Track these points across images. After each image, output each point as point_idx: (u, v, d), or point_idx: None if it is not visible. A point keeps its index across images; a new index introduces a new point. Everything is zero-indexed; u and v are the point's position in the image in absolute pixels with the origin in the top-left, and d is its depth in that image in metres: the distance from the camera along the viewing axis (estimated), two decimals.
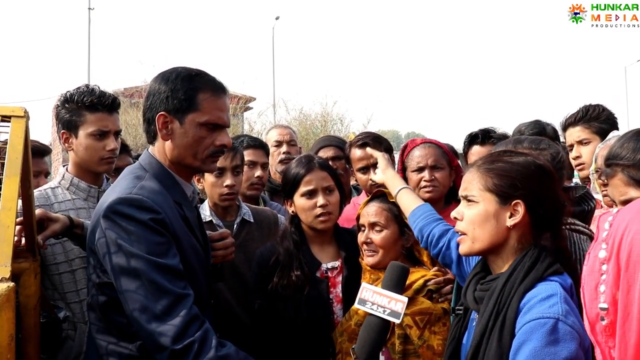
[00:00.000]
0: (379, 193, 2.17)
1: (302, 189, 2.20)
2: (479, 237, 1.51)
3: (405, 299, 1.55)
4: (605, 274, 0.75)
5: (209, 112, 1.69)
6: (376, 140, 2.84)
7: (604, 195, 2.13)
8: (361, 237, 2.07)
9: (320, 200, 2.17)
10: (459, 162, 2.65)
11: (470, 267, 1.76)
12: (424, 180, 2.42)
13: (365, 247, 2.06)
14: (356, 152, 2.79)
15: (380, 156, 2.23)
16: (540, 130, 3.10)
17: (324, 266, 2.21)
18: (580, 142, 2.73)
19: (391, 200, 2.10)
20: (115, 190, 1.64)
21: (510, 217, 1.47)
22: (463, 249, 1.57)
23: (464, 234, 1.55)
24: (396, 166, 2.57)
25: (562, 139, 3.03)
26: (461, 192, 1.58)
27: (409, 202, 2.01)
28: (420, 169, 2.44)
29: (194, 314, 1.52)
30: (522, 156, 1.54)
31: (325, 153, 3.16)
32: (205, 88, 1.70)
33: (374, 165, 2.78)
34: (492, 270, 1.55)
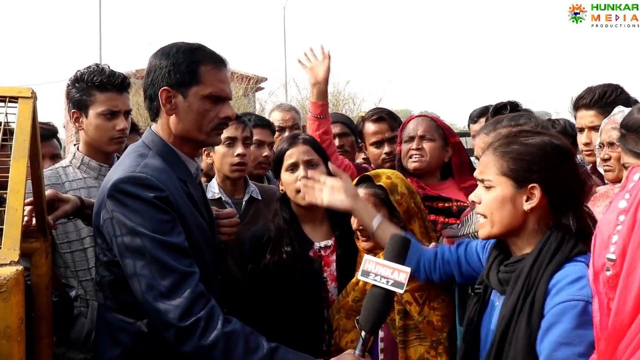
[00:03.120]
0: (364, 177, 2.09)
1: (285, 163, 2.18)
2: (497, 221, 1.49)
3: (409, 269, 1.54)
4: (621, 224, 0.74)
5: (212, 85, 1.68)
6: (391, 116, 2.85)
7: (606, 171, 2.09)
8: (354, 224, 2.03)
9: (300, 172, 2.14)
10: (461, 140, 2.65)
11: (472, 264, 1.75)
12: (411, 149, 2.43)
13: (359, 233, 2.03)
14: (370, 127, 2.82)
15: (346, 177, 1.96)
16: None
17: (316, 245, 2.19)
18: (592, 128, 2.52)
19: (378, 183, 2.00)
20: (119, 168, 1.65)
21: (527, 201, 1.45)
22: (483, 233, 1.55)
23: (484, 216, 1.53)
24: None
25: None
26: (477, 175, 1.56)
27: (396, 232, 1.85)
28: (410, 139, 2.46)
29: (200, 292, 1.54)
30: (538, 136, 1.50)
31: (332, 130, 3.15)
32: (206, 61, 1.69)
33: (388, 140, 2.78)
34: (512, 252, 1.54)
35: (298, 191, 2.12)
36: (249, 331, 1.56)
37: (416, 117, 2.58)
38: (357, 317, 1.58)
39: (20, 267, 1.21)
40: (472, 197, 1.58)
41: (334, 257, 2.18)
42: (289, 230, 2.16)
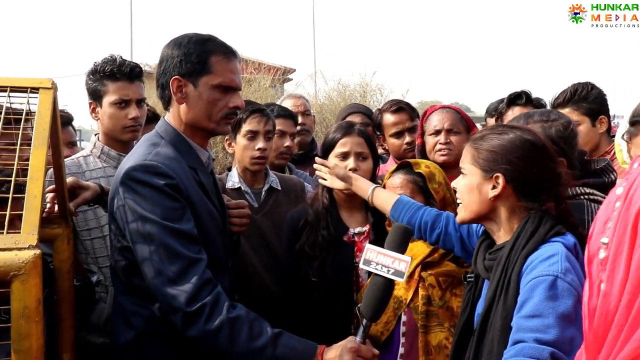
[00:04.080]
0: (404, 164, 2.16)
1: (337, 150, 2.24)
2: (467, 206, 1.60)
3: (409, 259, 1.57)
4: (616, 210, 0.76)
5: (222, 75, 1.72)
6: (409, 106, 2.85)
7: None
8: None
9: (350, 163, 2.20)
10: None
11: (473, 245, 1.78)
12: (439, 143, 2.46)
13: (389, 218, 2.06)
14: (389, 118, 2.83)
15: (333, 165, 2.16)
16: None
17: (351, 231, 2.24)
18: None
19: (417, 171, 2.09)
20: (132, 157, 1.70)
21: (492, 189, 1.54)
22: (458, 218, 1.67)
23: (461, 202, 1.64)
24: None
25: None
26: (459, 164, 1.66)
27: (386, 198, 2.01)
28: (436, 132, 2.47)
29: (207, 278, 1.57)
30: (512, 132, 1.57)
31: (353, 119, 3.15)
32: (217, 51, 1.72)
33: (409, 130, 2.78)
34: (495, 240, 1.60)
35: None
36: (253, 317, 1.60)
37: (438, 108, 2.57)
38: (358, 306, 1.61)
39: (38, 251, 1.25)
40: (453, 183, 1.69)
41: (367, 243, 2.21)
42: (326, 214, 2.22)
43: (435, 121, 2.50)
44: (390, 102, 2.97)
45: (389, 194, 2.03)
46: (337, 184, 2.14)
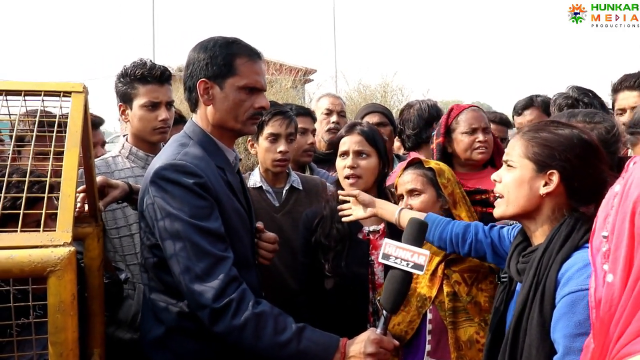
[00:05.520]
0: (415, 161, 2.19)
1: (340, 149, 2.28)
2: (512, 200, 1.53)
3: (428, 252, 1.60)
4: (614, 207, 0.80)
5: (247, 76, 1.76)
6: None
7: None
8: (401, 205, 2.11)
9: (348, 161, 2.23)
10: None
11: (506, 249, 1.76)
12: (478, 141, 2.50)
13: None
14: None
15: (358, 193, 2.15)
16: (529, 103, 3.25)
17: (365, 228, 2.27)
18: (634, 109, 2.57)
19: (427, 166, 2.12)
20: (162, 157, 1.74)
21: (544, 186, 1.48)
22: (497, 212, 1.60)
23: (501, 196, 1.58)
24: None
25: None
26: (504, 157, 1.61)
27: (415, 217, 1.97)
28: (473, 130, 2.50)
29: (233, 276, 1.61)
30: (568, 129, 1.52)
31: (371, 119, 3.20)
32: (242, 54, 1.77)
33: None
34: (531, 240, 1.56)
35: (346, 177, 2.23)
36: (277, 312, 1.63)
37: (467, 107, 2.60)
38: (378, 298, 1.64)
39: (72, 248, 1.30)
40: (494, 176, 1.62)
41: (382, 241, 2.24)
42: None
43: (471, 119, 2.52)
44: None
45: (415, 213, 1.99)
46: (360, 213, 2.13)
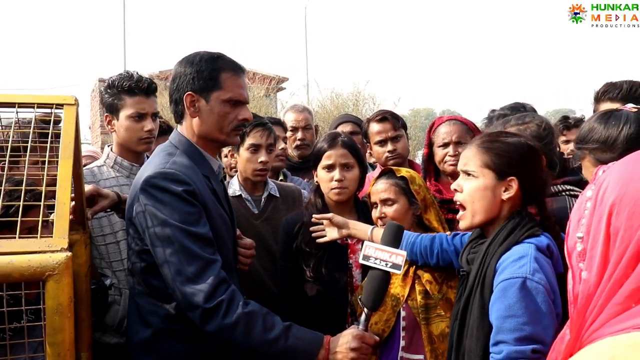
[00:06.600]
0: (386, 170, 2.31)
1: (323, 162, 2.36)
2: (478, 209, 1.67)
3: (405, 252, 1.74)
4: (587, 210, 0.92)
5: (232, 90, 1.85)
6: (393, 116, 2.99)
7: None
8: (375, 213, 2.22)
9: (336, 174, 2.32)
10: None
11: None
12: (448, 155, 2.57)
13: (380, 222, 2.20)
14: (374, 127, 2.96)
15: (332, 216, 2.26)
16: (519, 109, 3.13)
17: None
18: None
19: (399, 175, 2.22)
20: (150, 165, 1.81)
21: (505, 191, 1.64)
22: (463, 225, 1.73)
23: (464, 208, 1.71)
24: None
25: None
26: (461, 167, 1.74)
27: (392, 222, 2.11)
28: (445, 145, 2.59)
29: (222, 277, 1.69)
30: (516, 137, 1.70)
31: (343, 128, 3.38)
32: (227, 68, 1.86)
33: (392, 139, 2.92)
34: (486, 237, 1.71)
35: (332, 188, 2.33)
36: (265, 311, 1.72)
37: (446, 120, 2.69)
38: (359, 296, 1.76)
39: (69, 253, 1.36)
40: (454, 185, 1.75)
41: (359, 245, 2.31)
42: None
43: (444, 134, 2.60)
44: (377, 112, 3.12)
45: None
46: (334, 235, 2.24)
